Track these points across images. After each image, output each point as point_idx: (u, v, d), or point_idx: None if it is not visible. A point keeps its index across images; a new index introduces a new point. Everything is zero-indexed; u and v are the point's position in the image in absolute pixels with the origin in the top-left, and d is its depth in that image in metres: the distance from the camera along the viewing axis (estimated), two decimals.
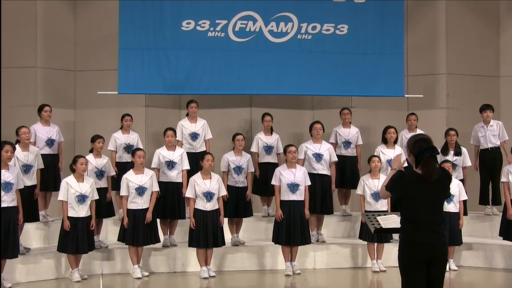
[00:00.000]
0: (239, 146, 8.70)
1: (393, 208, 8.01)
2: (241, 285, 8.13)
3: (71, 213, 7.62)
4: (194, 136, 9.18)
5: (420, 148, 4.49)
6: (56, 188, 8.33)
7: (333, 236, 9.25)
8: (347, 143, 9.43)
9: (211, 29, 9.68)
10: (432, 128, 9.53)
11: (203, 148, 9.17)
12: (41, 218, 8.59)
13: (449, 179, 4.67)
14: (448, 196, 4.74)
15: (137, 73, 9.53)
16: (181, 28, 9.62)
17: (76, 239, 7.60)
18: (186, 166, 8.59)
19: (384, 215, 5.00)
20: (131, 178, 7.96)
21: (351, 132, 9.49)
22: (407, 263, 4.51)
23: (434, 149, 4.53)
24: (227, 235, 8.49)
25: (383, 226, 4.91)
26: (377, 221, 4.94)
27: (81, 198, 7.63)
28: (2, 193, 7.03)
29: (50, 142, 8.76)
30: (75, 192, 7.63)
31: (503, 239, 8.42)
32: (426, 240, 4.47)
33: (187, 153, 8.80)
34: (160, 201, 8.32)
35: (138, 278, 7.97)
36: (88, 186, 7.74)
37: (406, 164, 4.79)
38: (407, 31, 10.46)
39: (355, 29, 9.88)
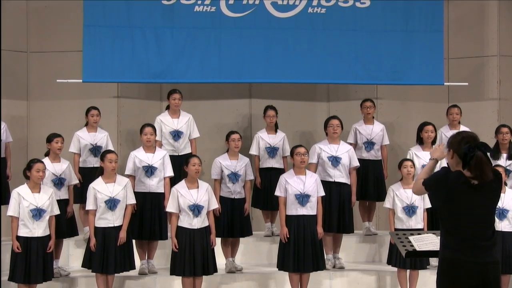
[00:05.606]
0: (235, 148, 8.69)
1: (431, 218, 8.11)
2: None
3: (23, 232, 7.58)
4: (176, 134, 9.20)
5: (469, 145, 4.54)
6: (3, 200, 8.31)
7: (354, 261, 9.26)
8: (369, 144, 9.42)
9: (199, 2, 9.69)
10: (480, 125, 9.55)
11: (188, 150, 9.21)
12: None
13: (500, 181, 4.72)
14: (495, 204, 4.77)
15: (106, 56, 9.57)
16: (162, 2, 9.64)
17: (29, 265, 7.55)
18: (169, 172, 8.59)
19: (419, 234, 5.04)
20: (99, 188, 7.93)
21: (375, 130, 9.49)
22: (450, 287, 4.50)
23: (486, 146, 4.59)
24: (221, 260, 8.49)
25: (418, 249, 4.94)
26: (410, 242, 4.98)
27: (37, 213, 7.60)
28: None
29: None
30: (29, 205, 7.60)
31: None
32: (474, 258, 4.49)
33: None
34: (137, 217, 8.32)
35: None
36: (46, 198, 7.71)
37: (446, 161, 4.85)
38: (448, 2, 10.44)
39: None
